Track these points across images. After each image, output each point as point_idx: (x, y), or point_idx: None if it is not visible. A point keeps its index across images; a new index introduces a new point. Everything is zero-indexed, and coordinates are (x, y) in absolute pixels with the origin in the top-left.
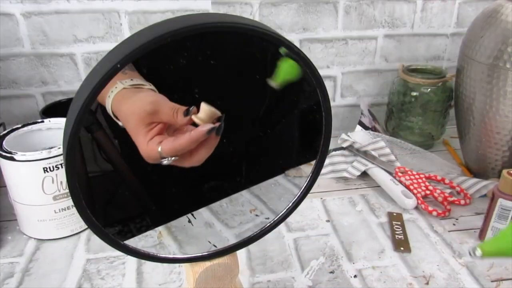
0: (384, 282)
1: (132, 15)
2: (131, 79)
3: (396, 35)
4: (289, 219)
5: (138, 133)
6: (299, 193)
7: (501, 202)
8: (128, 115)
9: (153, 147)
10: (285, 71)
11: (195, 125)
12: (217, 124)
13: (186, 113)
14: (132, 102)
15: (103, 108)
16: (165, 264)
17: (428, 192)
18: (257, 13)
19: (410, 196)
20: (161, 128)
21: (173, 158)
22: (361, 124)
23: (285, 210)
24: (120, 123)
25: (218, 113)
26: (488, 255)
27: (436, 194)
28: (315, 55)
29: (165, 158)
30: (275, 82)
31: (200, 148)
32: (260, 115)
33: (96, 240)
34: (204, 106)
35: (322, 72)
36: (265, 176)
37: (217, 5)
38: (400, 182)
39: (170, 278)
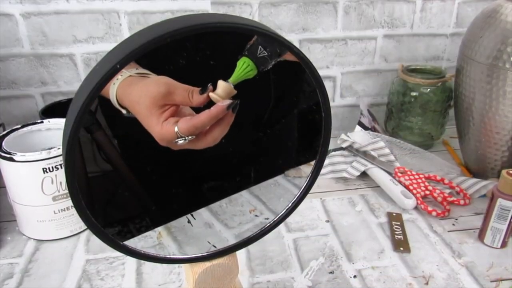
0: (384, 282)
1: (132, 16)
2: (136, 68)
3: (395, 35)
4: (288, 220)
5: (151, 115)
6: (299, 193)
7: (500, 202)
8: (140, 97)
9: (168, 128)
10: (240, 70)
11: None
12: (236, 100)
13: (203, 91)
14: (143, 84)
15: (103, 108)
16: (165, 265)
17: (427, 192)
18: (256, 14)
19: (410, 196)
20: (174, 111)
21: (189, 137)
22: (361, 124)
23: (284, 210)
24: (124, 111)
25: (234, 91)
26: None
27: (435, 194)
28: (315, 55)
29: (181, 137)
30: (231, 81)
31: (215, 127)
32: (260, 116)
33: (96, 240)
34: (222, 83)
35: (321, 73)
36: (265, 176)
37: (216, 6)
38: (400, 182)
39: (170, 278)
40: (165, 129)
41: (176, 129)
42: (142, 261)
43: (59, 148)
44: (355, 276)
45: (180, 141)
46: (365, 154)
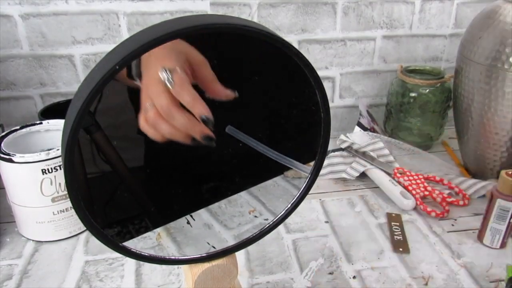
0: (383, 283)
1: (131, 17)
2: None
3: (394, 36)
4: (288, 220)
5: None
6: (298, 194)
7: (499, 202)
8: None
9: (170, 63)
10: None
11: None
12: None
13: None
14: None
15: (103, 109)
16: (164, 266)
17: (426, 193)
18: (255, 14)
19: (409, 197)
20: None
21: (171, 80)
22: (360, 125)
23: (284, 211)
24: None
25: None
26: None
27: (434, 195)
28: (314, 56)
29: (167, 75)
30: None
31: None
32: (259, 116)
33: (95, 241)
34: None
35: (320, 73)
36: (264, 177)
37: (215, 6)
38: (399, 183)
39: (169, 279)
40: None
41: (176, 70)
42: (141, 262)
43: (58, 149)
44: (354, 277)
45: (161, 72)
46: (364, 155)
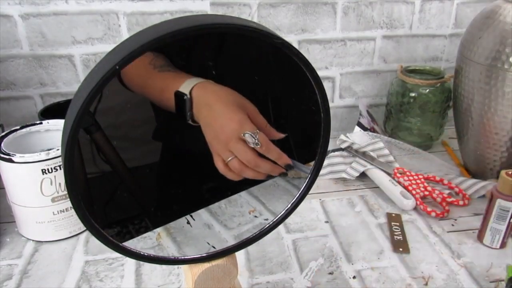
0: (383, 283)
1: (131, 17)
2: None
3: (394, 36)
4: (288, 220)
5: (235, 110)
6: (298, 194)
7: (499, 202)
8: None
9: (248, 125)
10: None
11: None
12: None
13: None
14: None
15: (103, 109)
16: (164, 266)
17: (426, 193)
18: (255, 14)
19: (409, 197)
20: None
21: (257, 140)
22: (360, 125)
23: (284, 211)
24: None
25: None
26: None
27: (434, 195)
28: (314, 56)
29: (253, 136)
30: None
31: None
32: None
33: (95, 241)
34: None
35: (320, 73)
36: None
37: (215, 7)
38: (399, 183)
39: (169, 279)
40: (243, 123)
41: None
42: (141, 262)
43: (58, 149)
44: (354, 277)
45: (247, 136)
46: (364, 155)
